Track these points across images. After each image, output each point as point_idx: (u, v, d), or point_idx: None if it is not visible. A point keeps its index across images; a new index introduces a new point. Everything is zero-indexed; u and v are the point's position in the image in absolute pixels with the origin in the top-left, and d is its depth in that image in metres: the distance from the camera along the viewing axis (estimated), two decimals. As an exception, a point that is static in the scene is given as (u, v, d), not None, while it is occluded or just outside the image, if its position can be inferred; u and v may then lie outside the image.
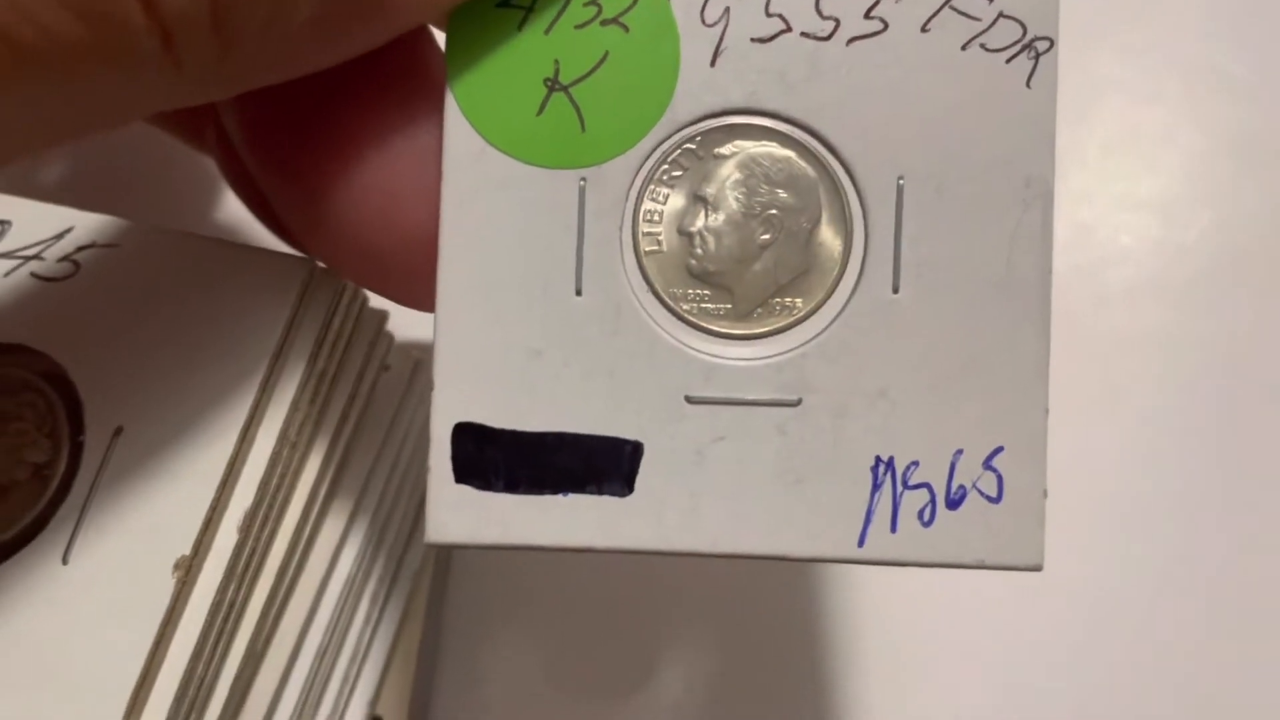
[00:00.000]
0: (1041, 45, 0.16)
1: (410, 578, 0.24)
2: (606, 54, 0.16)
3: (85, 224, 0.20)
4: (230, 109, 0.18)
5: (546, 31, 0.15)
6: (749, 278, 0.16)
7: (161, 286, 0.19)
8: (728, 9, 0.15)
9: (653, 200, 0.16)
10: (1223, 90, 0.28)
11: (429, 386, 0.16)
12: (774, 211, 0.16)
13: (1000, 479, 0.16)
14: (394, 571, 0.23)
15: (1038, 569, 0.16)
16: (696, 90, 0.16)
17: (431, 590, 0.24)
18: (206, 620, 0.18)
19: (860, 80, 0.16)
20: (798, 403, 0.16)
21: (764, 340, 0.16)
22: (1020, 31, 0.15)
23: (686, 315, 0.16)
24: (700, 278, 0.16)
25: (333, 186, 0.16)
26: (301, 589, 0.21)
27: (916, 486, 0.16)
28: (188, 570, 0.18)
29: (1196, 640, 0.25)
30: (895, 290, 0.16)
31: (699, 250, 0.16)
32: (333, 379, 0.20)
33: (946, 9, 0.15)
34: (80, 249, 0.20)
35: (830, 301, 0.16)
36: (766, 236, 0.16)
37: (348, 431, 0.21)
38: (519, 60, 0.16)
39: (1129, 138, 0.28)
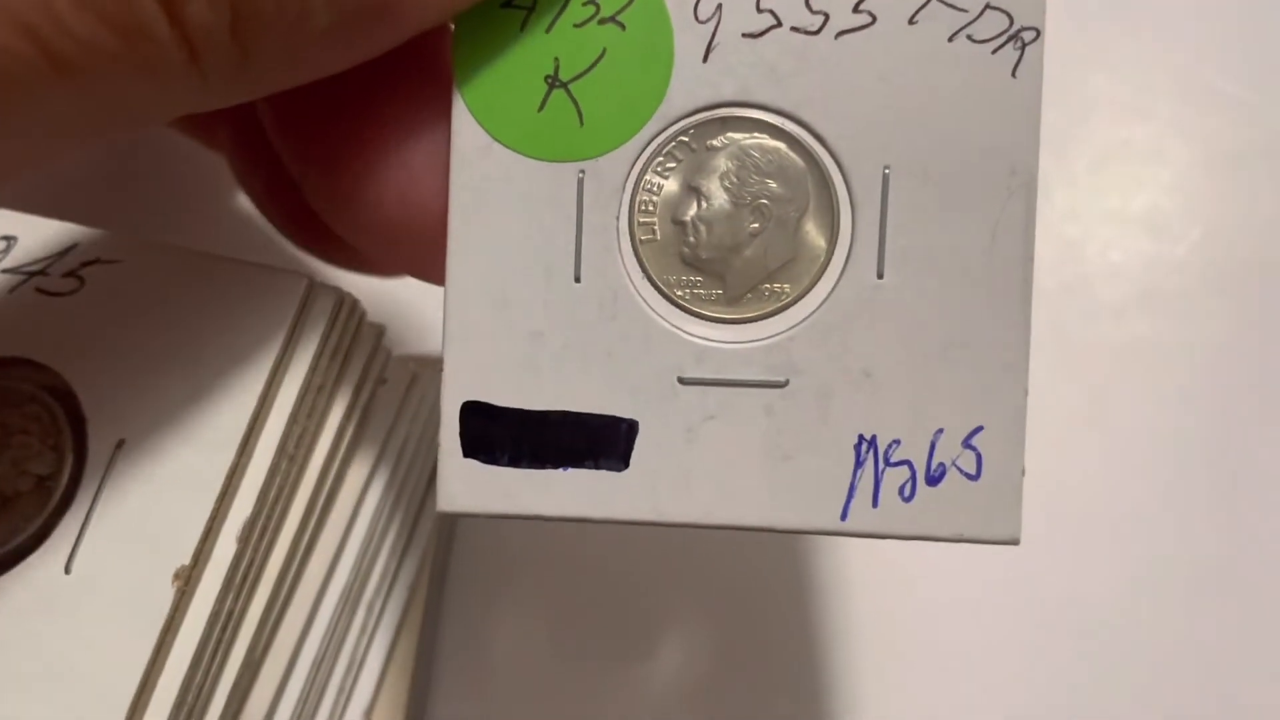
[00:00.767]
0: (1028, 36, 0.16)
1: (406, 587, 0.24)
2: (604, 51, 0.16)
3: (89, 240, 0.20)
4: (263, 102, 0.18)
5: (547, 30, 0.16)
6: (739, 264, 0.17)
7: (163, 301, 0.20)
8: (720, 6, 0.16)
9: (648, 191, 0.17)
10: (1211, 106, 0.29)
11: (436, 372, 0.17)
12: (764, 201, 0.17)
13: (979, 457, 0.16)
14: (390, 580, 0.24)
15: (1015, 543, 0.16)
16: (690, 84, 0.16)
17: (427, 599, 0.24)
18: (205, 629, 0.19)
19: (848, 73, 0.16)
20: (785, 384, 0.16)
21: (753, 324, 0.17)
22: (1007, 22, 0.16)
23: (680, 300, 0.17)
24: (693, 264, 0.17)
25: (357, 168, 0.17)
26: (299, 598, 0.21)
27: (898, 464, 0.16)
28: (187, 580, 0.18)
29: (1186, 644, 0.25)
30: (880, 276, 0.16)
31: (692, 238, 0.17)
32: (330, 392, 0.21)
33: (934, 1, 0.16)
34: (84, 264, 0.20)
35: (817, 287, 0.17)
36: (756, 225, 0.17)
37: (345, 443, 0.21)
38: (521, 58, 0.16)
39: (1118, 154, 0.29)
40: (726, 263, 0.17)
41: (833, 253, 0.17)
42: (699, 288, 0.17)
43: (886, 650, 0.25)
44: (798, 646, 0.25)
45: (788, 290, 0.17)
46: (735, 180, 0.17)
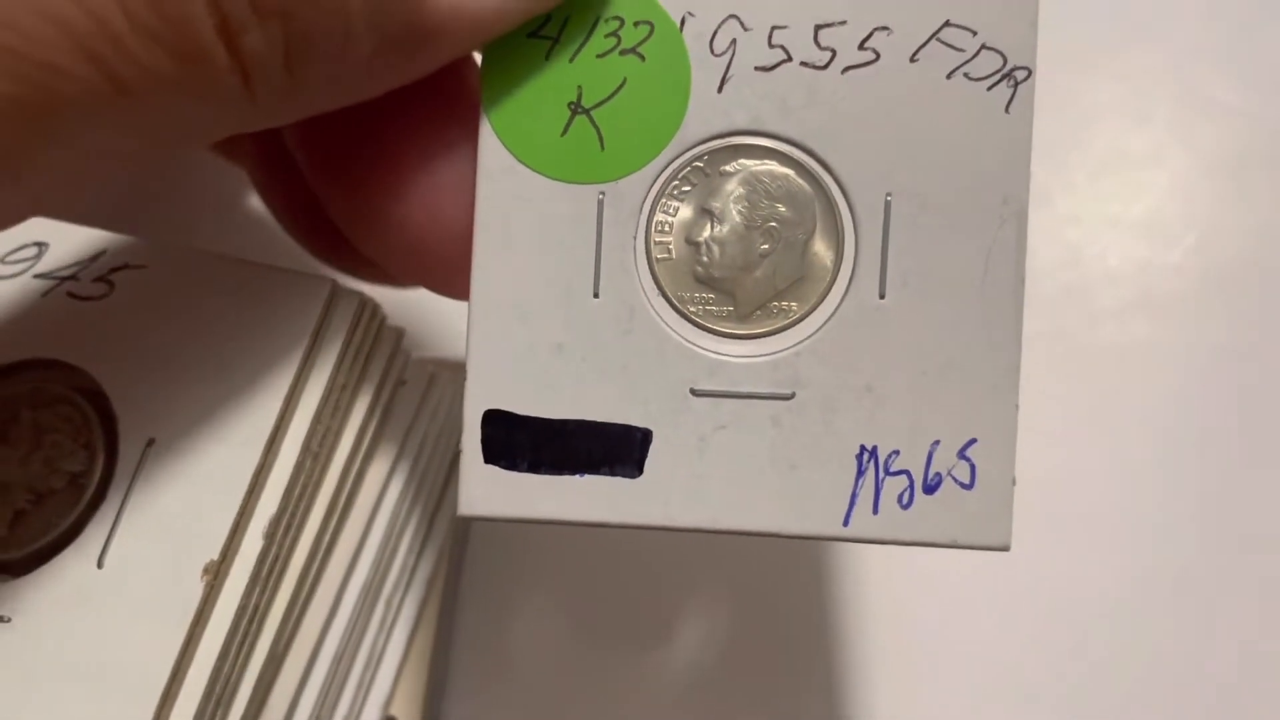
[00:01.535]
0: (1020, 74, 0.17)
1: (424, 582, 0.24)
2: (625, 80, 0.17)
3: (117, 246, 0.21)
4: (292, 125, 0.19)
5: (571, 60, 0.17)
6: (750, 283, 0.18)
7: (190, 305, 0.20)
8: (734, 40, 0.17)
9: (664, 213, 0.18)
10: (1209, 115, 0.30)
11: (460, 380, 0.18)
12: (773, 224, 0.18)
13: (973, 467, 0.17)
14: (409, 575, 0.24)
15: (1005, 549, 0.17)
16: (705, 114, 0.17)
17: (444, 593, 0.25)
18: (233, 622, 0.19)
19: (854, 105, 0.17)
20: (791, 396, 0.17)
21: (762, 340, 0.18)
22: (1001, 62, 0.17)
23: (693, 316, 0.18)
24: (706, 283, 0.18)
25: (384, 189, 0.18)
26: (321, 592, 0.22)
27: (897, 473, 0.17)
28: (216, 574, 0.19)
29: (1186, 647, 0.25)
30: (882, 296, 0.17)
31: (705, 258, 0.18)
32: (353, 392, 0.21)
33: (934, 41, 0.17)
34: (114, 270, 0.21)
35: (823, 306, 0.18)
36: (766, 246, 0.18)
37: (366, 441, 0.22)
38: (546, 85, 0.17)
39: (1117, 161, 0.29)
40: (738, 281, 0.18)
41: (838, 274, 0.18)
42: (711, 304, 0.18)
43: (899, 640, 0.26)
44: (812, 636, 0.25)
45: (795, 308, 0.18)
46: (747, 204, 0.18)
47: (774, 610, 0.26)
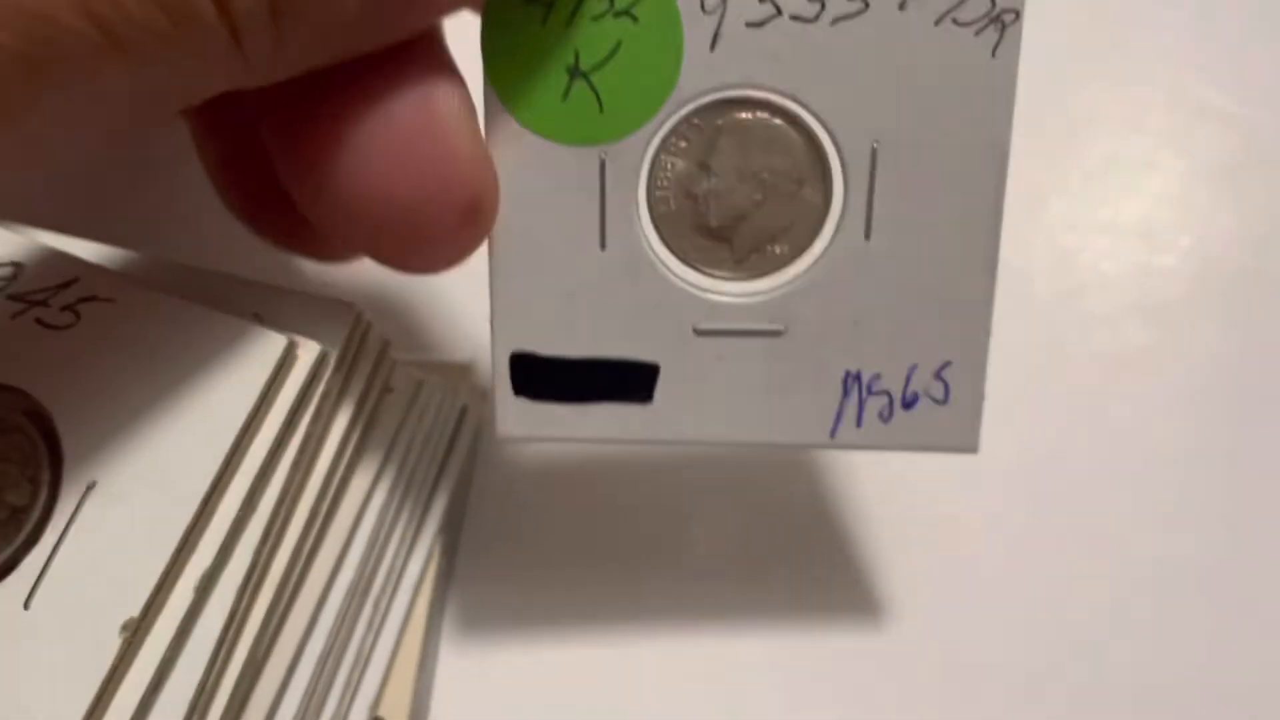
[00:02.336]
0: (1008, 17, 0.18)
1: (413, 585, 0.24)
2: (619, 43, 0.18)
3: (89, 276, 0.21)
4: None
5: (567, 24, 0.18)
6: (745, 230, 0.19)
7: (150, 349, 0.20)
8: None
9: (663, 169, 0.19)
10: (1202, 119, 0.30)
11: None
12: (766, 175, 0.19)
13: (947, 386, 0.19)
14: (397, 578, 0.23)
15: (973, 451, 0.20)
16: (699, 71, 0.18)
17: (433, 596, 0.24)
18: (153, 678, 0.19)
19: (843, 56, 0.18)
20: (783, 331, 0.19)
21: (756, 281, 0.19)
22: (989, 5, 0.18)
23: (693, 262, 0.19)
24: (704, 232, 0.19)
25: (339, 153, 0.18)
26: (305, 594, 0.21)
27: (879, 393, 0.19)
28: (135, 632, 0.19)
29: (1181, 653, 0.24)
30: (868, 237, 0.19)
31: (702, 209, 0.19)
32: (335, 400, 0.21)
33: None
34: (81, 300, 0.20)
35: (812, 248, 0.19)
36: (759, 196, 0.19)
37: (350, 448, 0.22)
38: (545, 51, 0.18)
39: (1111, 165, 0.29)
40: (734, 229, 0.19)
41: (826, 218, 0.19)
42: (709, 251, 0.19)
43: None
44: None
45: (786, 251, 0.19)
46: (740, 157, 0.19)
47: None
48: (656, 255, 0.19)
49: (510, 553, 0.25)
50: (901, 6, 0.18)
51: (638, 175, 0.18)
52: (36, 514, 0.19)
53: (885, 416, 0.20)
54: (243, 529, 0.20)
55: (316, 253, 0.23)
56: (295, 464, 0.20)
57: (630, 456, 0.26)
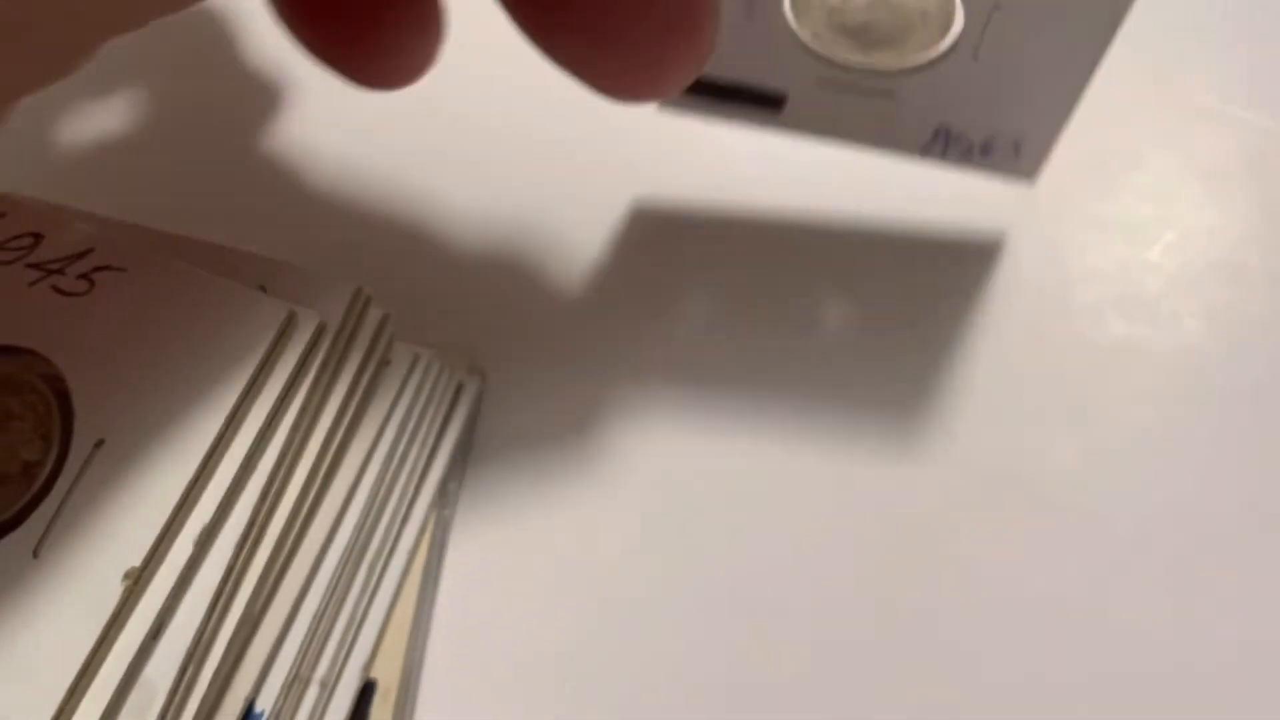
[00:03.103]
0: None
1: (407, 552, 0.25)
2: None
3: (104, 246, 0.22)
4: None
5: None
6: (877, 27, 0.23)
7: (159, 315, 0.21)
8: None
9: None
10: (1190, 116, 0.30)
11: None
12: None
13: (1019, 147, 0.25)
14: (391, 545, 0.24)
15: (1030, 181, 0.26)
16: None
17: (427, 566, 0.25)
18: (153, 624, 0.20)
19: None
20: (893, 93, 0.24)
21: (876, 59, 0.24)
22: None
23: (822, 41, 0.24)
24: (840, 29, 0.24)
25: None
26: (301, 558, 0.22)
27: (963, 142, 0.25)
28: (136, 580, 0.20)
29: (1165, 644, 0.24)
30: (978, 47, 0.23)
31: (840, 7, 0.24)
32: (335, 369, 0.22)
33: None
34: (96, 269, 0.21)
35: (931, 48, 0.23)
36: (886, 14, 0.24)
37: (348, 417, 0.23)
38: None
39: (1098, 160, 0.30)
40: (866, 26, 0.23)
41: (949, 29, 0.23)
42: (841, 39, 0.24)
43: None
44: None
45: (908, 48, 0.23)
46: None
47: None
48: (799, 34, 0.24)
49: (505, 524, 0.26)
50: None
51: None
52: (48, 469, 0.21)
53: (964, 154, 0.25)
54: (242, 487, 0.21)
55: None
56: (294, 428, 0.21)
57: (626, 433, 0.27)
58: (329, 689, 0.23)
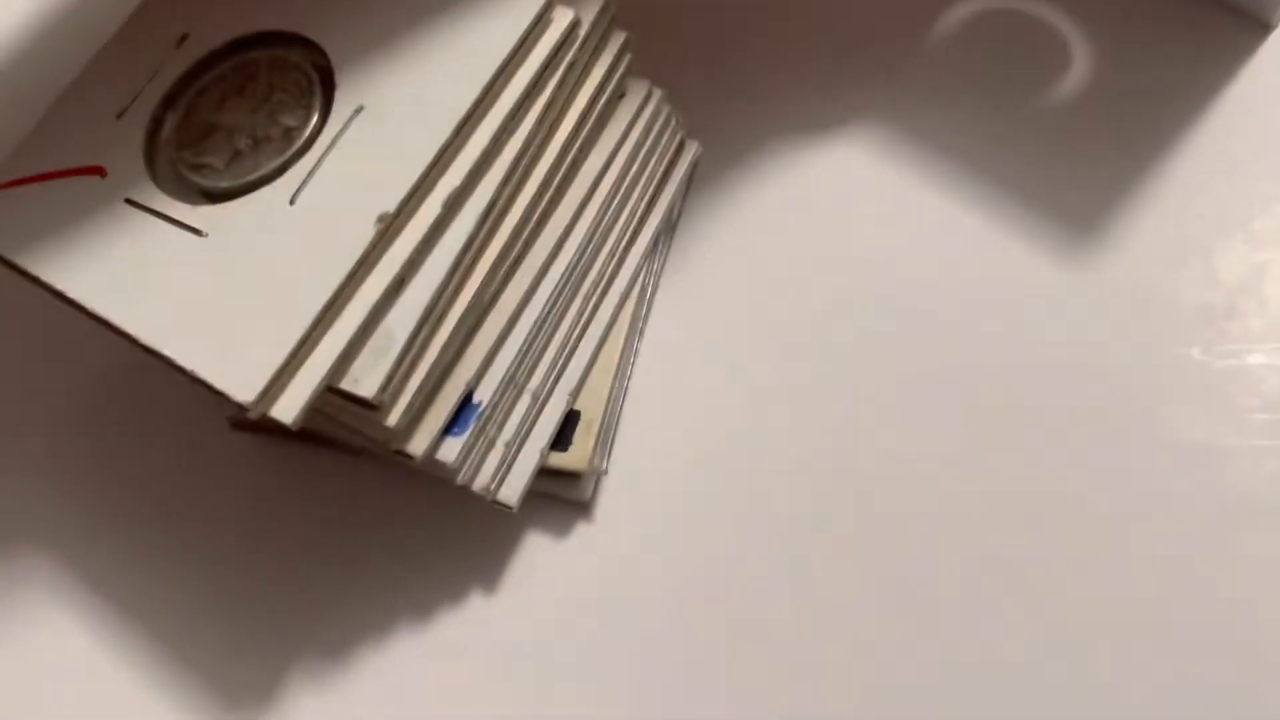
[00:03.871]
0: None
1: (619, 294, 0.25)
2: None
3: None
4: None
5: None
6: None
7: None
8: None
9: None
10: None
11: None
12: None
13: None
14: (606, 280, 0.25)
15: None
16: None
17: (635, 311, 0.25)
18: (399, 272, 0.20)
19: None
20: None
21: None
22: None
23: None
24: None
25: None
26: (524, 269, 0.23)
27: None
28: (389, 225, 0.20)
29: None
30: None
31: None
32: (580, 75, 0.23)
33: None
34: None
35: None
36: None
37: (581, 137, 0.24)
38: None
39: None
40: None
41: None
42: None
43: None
44: None
45: None
46: None
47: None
48: None
49: (704, 293, 0.26)
50: None
51: None
52: (308, 132, 0.22)
53: None
54: (489, 164, 0.22)
55: None
56: (539, 122, 0.22)
57: (826, 219, 0.27)
58: (539, 402, 0.23)
